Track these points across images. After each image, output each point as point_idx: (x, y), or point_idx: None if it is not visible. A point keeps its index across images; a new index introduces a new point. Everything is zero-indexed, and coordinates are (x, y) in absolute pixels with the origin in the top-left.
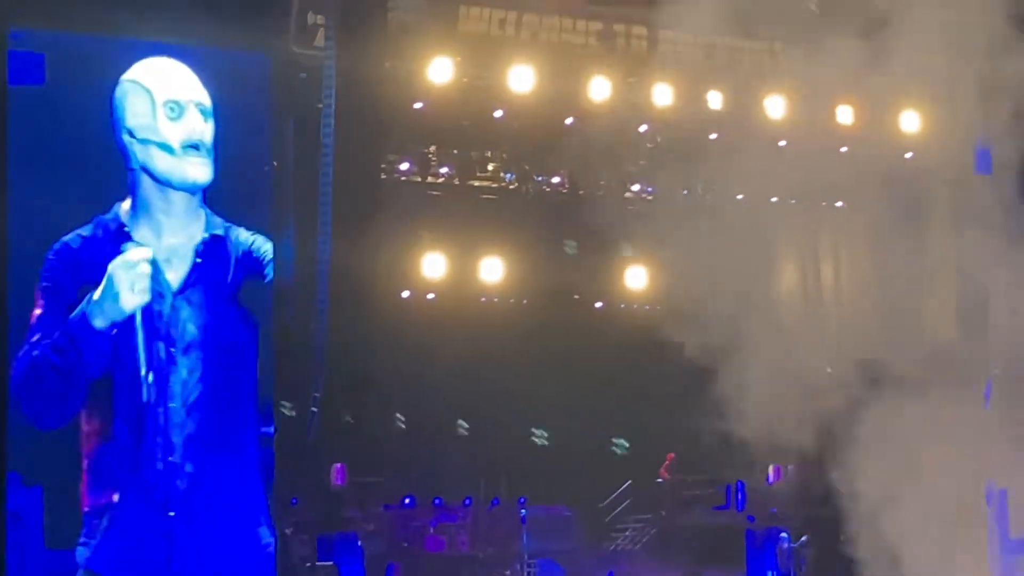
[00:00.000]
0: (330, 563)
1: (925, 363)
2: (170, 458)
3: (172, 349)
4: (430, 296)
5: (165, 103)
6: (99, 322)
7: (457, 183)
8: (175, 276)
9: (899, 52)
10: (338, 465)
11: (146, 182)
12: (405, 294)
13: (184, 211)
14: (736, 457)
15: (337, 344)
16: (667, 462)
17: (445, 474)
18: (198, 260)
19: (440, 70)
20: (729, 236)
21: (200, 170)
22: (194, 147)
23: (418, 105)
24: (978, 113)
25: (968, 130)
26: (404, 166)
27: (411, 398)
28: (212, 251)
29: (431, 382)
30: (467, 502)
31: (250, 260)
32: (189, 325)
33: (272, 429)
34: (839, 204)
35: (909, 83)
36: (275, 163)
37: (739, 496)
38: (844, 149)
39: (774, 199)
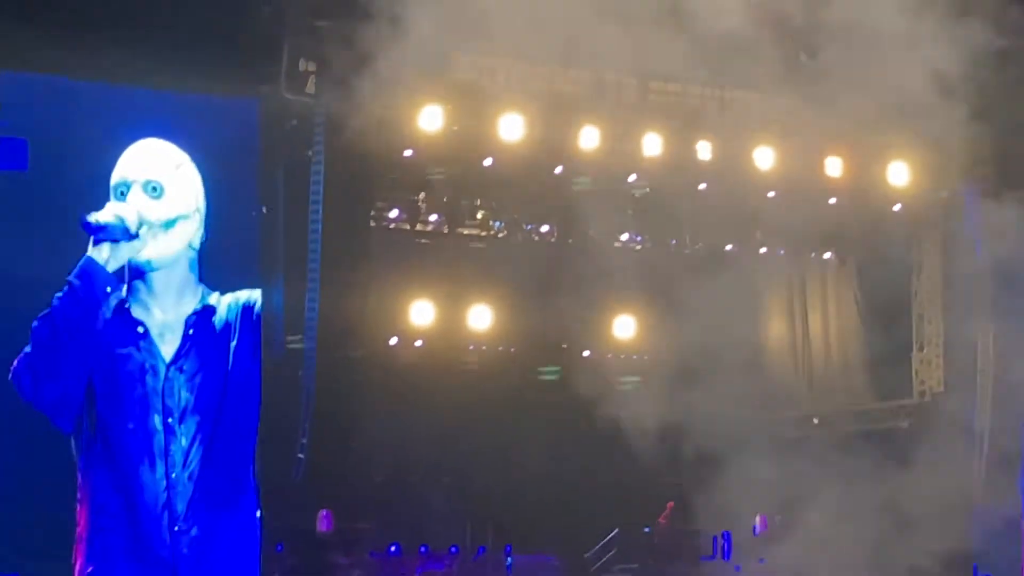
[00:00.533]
0: None
1: (913, 415)
2: (176, 527)
3: (170, 420)
4: (418, 343)
5: (114, 187)
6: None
7: (446, 231)
8: (168, 349)
9: (887, 103)
10: (324, 511)
11: None
12: (393, 341)
13: (167, 288)
14: (722, 506)
15: (324, 390)
16: (666, 511)
17: (431, 522)
18: (190, 332)
19: (430, 118)
20: (718, 286)
21: (146, 251)
22: (135, 236)
23: (408, 153)
24: (965, 164)
25: (956, 181)
26: (393, 213)
27: (398, 445)
28: (204, 321)
29: (419, 429)
30: (453, 550)
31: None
32: (183, 392)
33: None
34: (827, 255)
35: (897, 134)
36: (264, 209)
37: (725, 546)
38: (833, 200)
39: (763, 249)
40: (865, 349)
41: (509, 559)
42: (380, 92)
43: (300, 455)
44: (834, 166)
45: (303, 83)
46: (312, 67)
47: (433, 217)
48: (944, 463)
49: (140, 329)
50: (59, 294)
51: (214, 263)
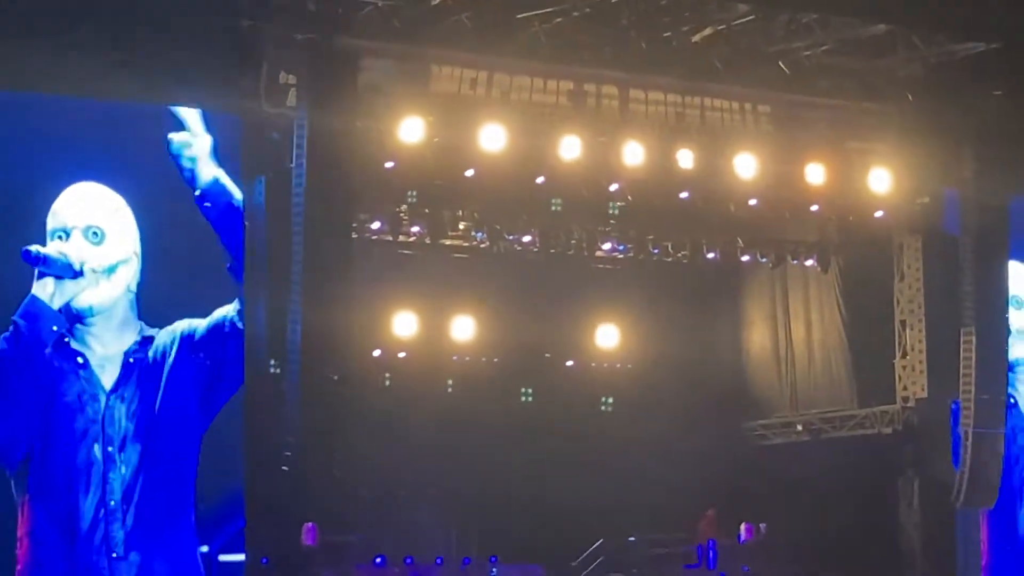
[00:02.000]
0: None
1: (896, 420)
2: (113, 554)
3: (109, 448)
4: (401, 355)
5: (51, 232)
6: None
7: (428, 242)
8: (108, 379)
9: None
10: (309, 524)
11: None
12: (376, 353)
13: (106, 329)
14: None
15: (308, 402)
16: (707, 518)
17: (417, 533)
18: (130, 360)
19: (411, 129)
20: (699, 294)
21: (87, 295)
22: (79, 274)
23: (389, 164)
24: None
25: (937, 188)
26: (375, 225)
27: (383, 456)
28: (143, 352)
29: (403, 440)
30: (439, 561)
31: (187, 345)
32: (123, 421)
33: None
34: (809, 262)
35: (878, 142)
36: (246, 223)
37: (711, 554)
38: (815, 207)
39: (745, 257)
40: (848, 355)
41: (494, 569)
42: (361, 104)
43: (284, 468)
44: (816, 173)
45: (283, 96)
46: (292, 80)
47: (415, 228)
48: (928, 467)
49: (80, 360)
50: (4, 334)
51: (198, 278)
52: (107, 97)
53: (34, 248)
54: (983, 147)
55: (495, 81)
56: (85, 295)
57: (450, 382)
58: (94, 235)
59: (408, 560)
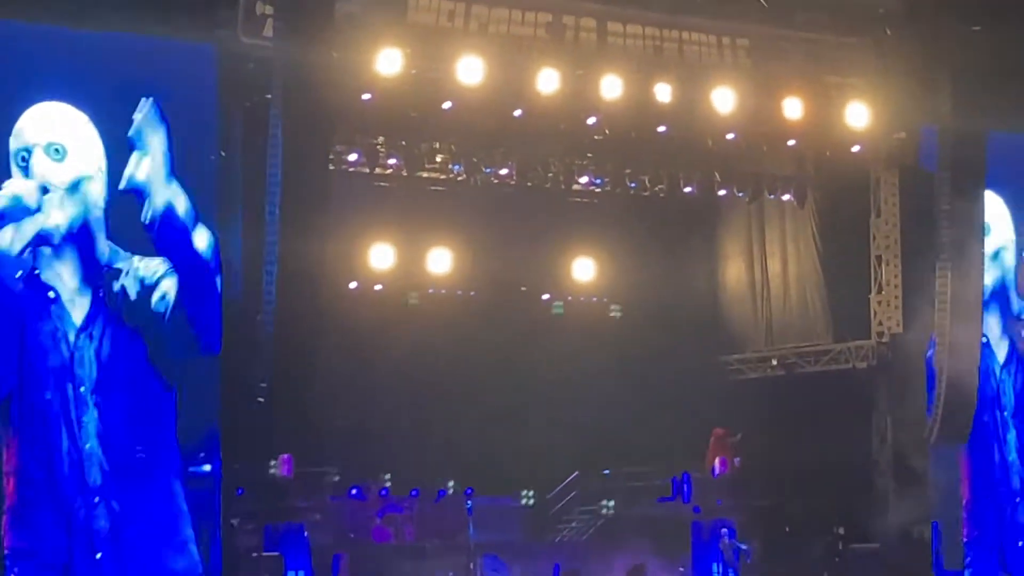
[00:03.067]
0: (276, 553)
1: (871, 356)
2: (95, 499)
3: (81, 389)
4: (377, 287)
5: (15, 152)
6: None
7: (405, 175)
8: (79, 314)
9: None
10: (285, 456)
11: None
12: (352, 285)
13: (73, 252)
14: (682, 448)
15: (284, 335)
16: (715, 436)
17: (392, 465)
18: (99, 294)
19: (388, 61)
20: (676, 228)
21: (53, 216)
22: (43, 190)
23: (366, 96)
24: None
25: (915, 123)
26: (352, 157)
27: (358, 388)
28: (110, 283)
29: (378, 373)
30: (414, 493)
31: (144, 287)
32: (94, 361)
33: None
34: (786, 197)
35: (856, 76)
36: (222, 153)
37: (685, 488)
38: (792, 142)
39: (722, 192)
40: (824, 290)
41: (469, 502)
42: (338, 35)
43: (260, 399)
44: (793, 107)
45: (260, 27)
46: (269, 10)
47: (392, 161)
48: (902, 402)
49: (51, 294)
50: None
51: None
52: (82, 27)
53: None
54: (960, 82)
55: (473, 13)
56: (52, 217)
57: (426, 315)
58: (56, 152)
59: (383, 492)
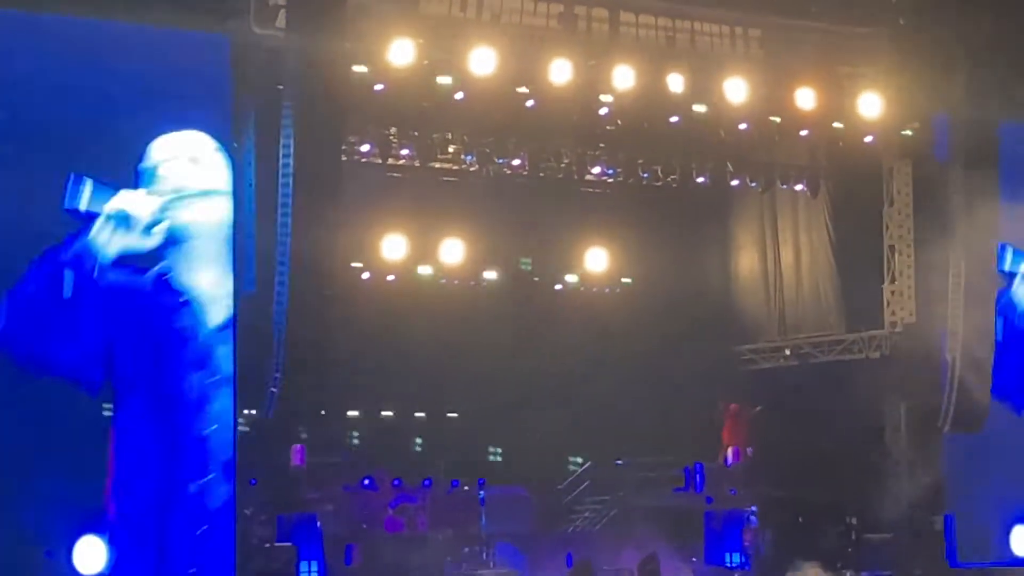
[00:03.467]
0: (289, 544)
1: (884, 345)
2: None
3: (210, 379)
4: (390, 278)
5: (152, 167)
6: None
7: (417, 165)
8: (215, 318)
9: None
10: (297, 446)
11: None
12: (365, 276)
13: (206, 257)
14: (695, 438)
15: (296, 326)
16: (730, 412)
17: (405, 455)
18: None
19: (401, 52)
20: (688, 218)
21: (186, 213)
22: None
23: (379, 87)
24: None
25: (928, 112)
26: (365, 148)
27: (370, 379)
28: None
29: (390, 363)
30: (426, 483)
31: None
32: (225, 362)
33: None
34: (799, 187)
35: (868, 66)
36: (235, 144)
37: (698, 477)
38: (804, 132)
39: (735, 182)
40: (836, 280)
41: (482, 492)
42: (350, 26)
43: (273, 390)
44: (806, 98)
45: (273, 17)
46: (282, 1)
47: (405, 151)
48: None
49: (182, 299)
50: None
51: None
52: (93, 15)
53: (82, 204)
54: (973, 72)
55: (485, 3)
56: (183, 215)
57: (438, 306)
58: (193, 161)
59: (396, 482)
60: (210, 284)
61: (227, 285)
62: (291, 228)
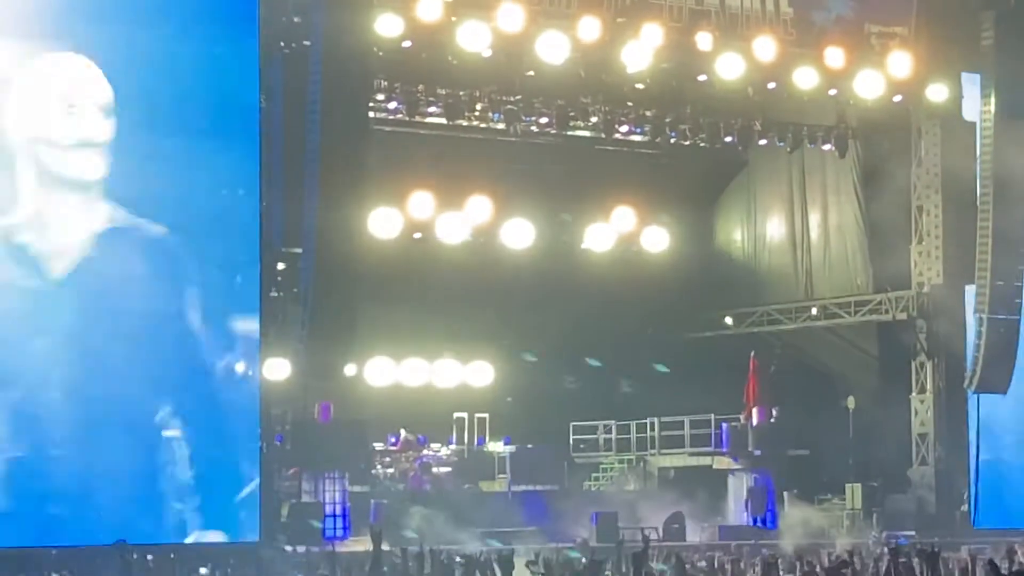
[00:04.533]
0: (315, 500)
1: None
2: None
3: None
4: (417, 235)
5: None
6: None
7: (445, 122)
8: None
9: None
10: (323, 403)
11: None
12: (393, 234)
13: None
14: (720, 399)
15: (324, 283)
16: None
17: (430, 412)
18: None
19: (429, 8)
20: (716, 178)
21: None
22: None
23: (407, 44)
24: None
25: (957, 72)
26: (392, 105)
27: (397, 336)
28: None
29: (417, 320)
30: (451, 441)
31: None
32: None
33: None
34: (827, 147)
35: (898, 26)
36: (263, 102)
37: (723, 438)
38: (833, 92)
39: (763, 141)
40: (864, 240)
41: (507, 450)
42: None
43: (300, 346)
44: (835, 57)
45: None
46: None
47: (432, 109)
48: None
49: None
50: None
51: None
52: None
53: None
54: (1003, 32)
55: None
56: None
57: (464, 261)
58: None
59: (421, 439)
60: None
61: None
62: (319, 186)
